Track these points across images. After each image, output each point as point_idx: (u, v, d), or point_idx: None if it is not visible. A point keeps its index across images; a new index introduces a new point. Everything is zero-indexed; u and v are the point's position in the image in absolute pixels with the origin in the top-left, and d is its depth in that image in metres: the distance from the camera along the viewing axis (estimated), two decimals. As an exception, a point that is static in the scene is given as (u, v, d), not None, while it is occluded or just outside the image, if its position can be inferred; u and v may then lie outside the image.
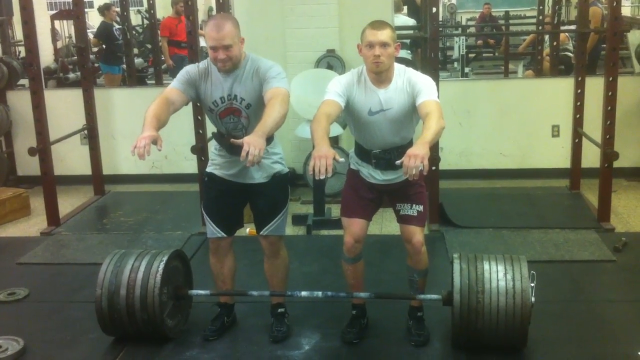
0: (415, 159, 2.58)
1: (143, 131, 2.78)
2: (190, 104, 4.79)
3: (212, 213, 3.26)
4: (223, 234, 3.25)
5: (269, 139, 3.05)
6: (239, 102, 3.05)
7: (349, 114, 3.13)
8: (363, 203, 3.22)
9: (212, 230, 3.26)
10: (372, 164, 3.16)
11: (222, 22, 2.95)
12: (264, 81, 2.98)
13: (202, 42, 5.68)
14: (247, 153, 2.58)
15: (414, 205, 3.16)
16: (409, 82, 3.00)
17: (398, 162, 2.70)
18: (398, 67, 3.06)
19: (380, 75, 3.01)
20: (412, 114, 3.05)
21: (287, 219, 3.33)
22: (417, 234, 3.10)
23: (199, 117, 4.78)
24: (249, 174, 3.16)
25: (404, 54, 6.76)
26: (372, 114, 3.05)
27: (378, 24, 2.97)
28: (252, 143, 2.60)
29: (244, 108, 3.06)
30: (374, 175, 3.18)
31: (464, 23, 12.82)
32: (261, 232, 3.25)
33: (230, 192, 3.23)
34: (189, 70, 3.11)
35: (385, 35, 2.93)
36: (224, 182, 3.22)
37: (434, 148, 4.59)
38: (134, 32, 9.46)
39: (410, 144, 3.12)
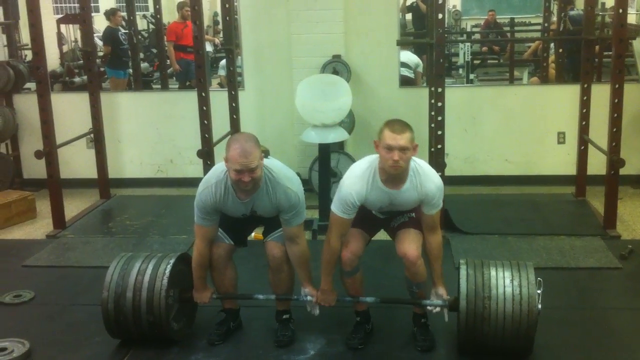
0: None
1: (197, 288, 3.26)
2: (195, 104, 4.84)
3: (223, 224, 3.27)
4: (230, 240, 3.28)
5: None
6: (258, 215, 3.19)
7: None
8: (365, 218, 3.23)
9: (219, 236, 3.27)
10: (377, 214, 3.25)
11: (248, 145, 2.88)
12: (282, 216, 3.12)
13: (209, 47, 5.70)
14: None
15: (405, 214, 3.20)
16: (422, 186, 2.96)
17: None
18: (412, 167, 2.97)
19: (395, 177, 2.94)
20: (418, 203, 3.07)
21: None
22: (412, 249, 3.07)
23: (205, 122, 4.79)
24: (267, 213, 3.23)
25: (405, 72, 6.67)
26: (381, 211, 3.12)
27: (399, 128, 2.86)
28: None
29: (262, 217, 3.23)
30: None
31: (468, 30, 12.84)
32: (265, 238, 3.28)
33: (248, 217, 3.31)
34: (205, 202, 3.09)
35: (405, 139, 2.83)
36: None
37: (440, 154, 4.59)
38: (139, 36, 9.49)
39: None
